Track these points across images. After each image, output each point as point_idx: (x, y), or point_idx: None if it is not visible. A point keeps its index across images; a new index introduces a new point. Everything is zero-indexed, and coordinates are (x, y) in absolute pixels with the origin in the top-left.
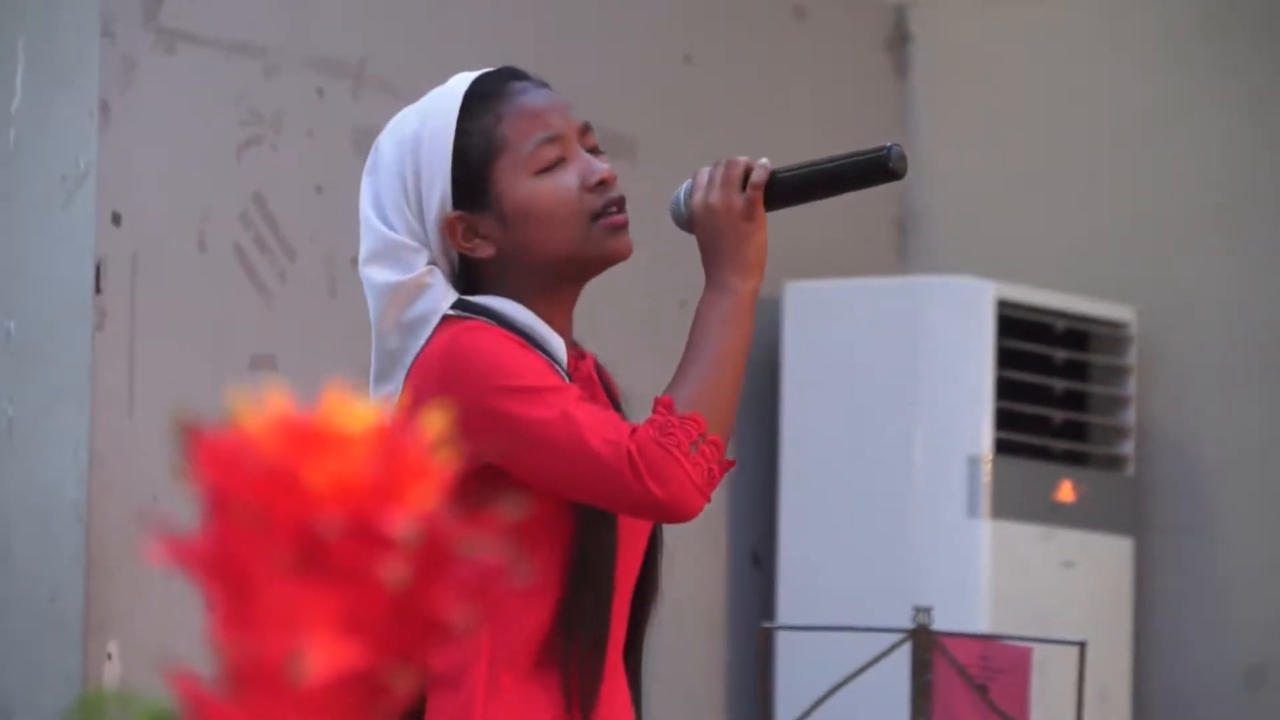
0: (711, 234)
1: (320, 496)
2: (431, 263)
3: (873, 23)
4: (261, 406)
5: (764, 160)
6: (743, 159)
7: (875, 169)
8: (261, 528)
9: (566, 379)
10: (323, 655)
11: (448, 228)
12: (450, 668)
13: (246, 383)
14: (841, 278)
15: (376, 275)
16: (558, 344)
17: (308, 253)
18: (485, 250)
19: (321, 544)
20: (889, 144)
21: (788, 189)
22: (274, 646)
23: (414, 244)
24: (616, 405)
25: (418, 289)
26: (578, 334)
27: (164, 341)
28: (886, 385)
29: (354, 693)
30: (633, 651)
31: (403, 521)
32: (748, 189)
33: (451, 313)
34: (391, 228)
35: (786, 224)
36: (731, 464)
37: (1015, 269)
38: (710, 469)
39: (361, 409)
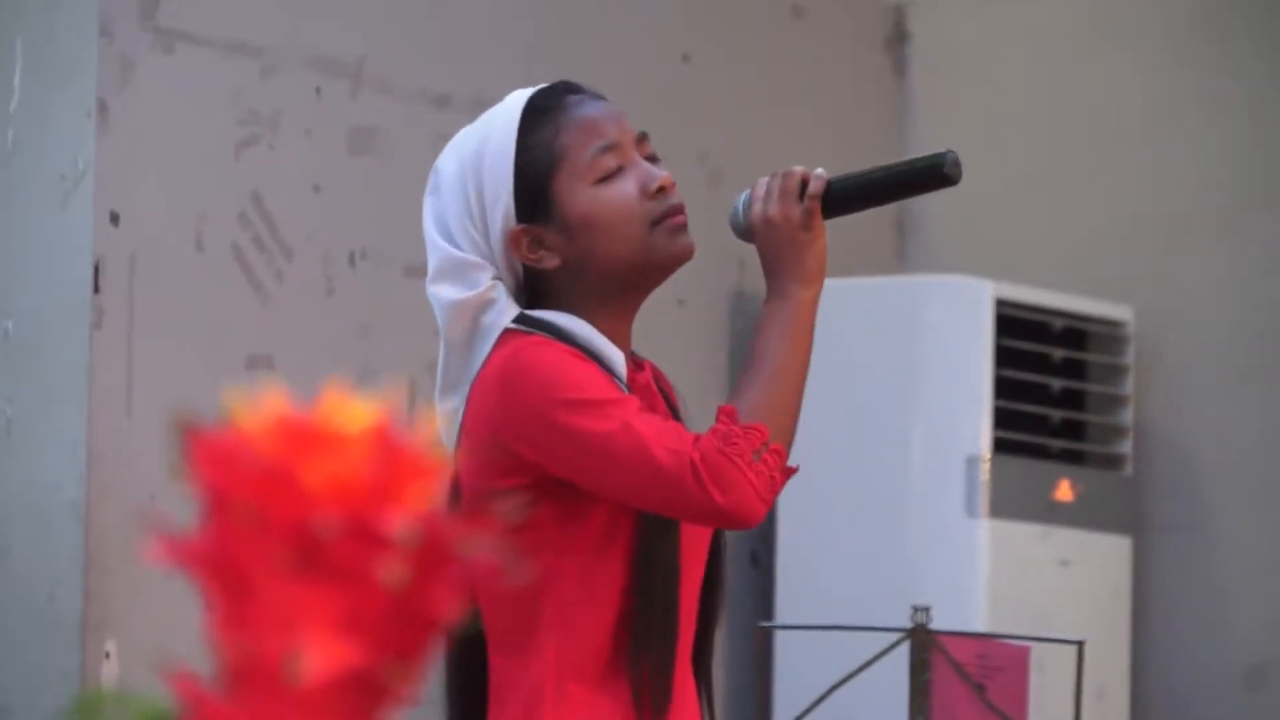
0: (772, 245)
1: (318, 496)
2: (496, 278)
3: (871, 22)
4: (259, 406)
5: (820, 170)
6: (799, 169)
7: (932, 175)
8: (259, 527)
9: (626, 391)
10: (321, 655)
11: (513, 241)
12: (516, 677)
13: (244, 382)
14: (840, 277)
15: (443, 293)
16: (617, 357)
17: (305, 252)
18: (551, 261)
19: (319, 544)
20: (945, 150)
21: (844, 197)
22: (272, 646)
23: (479, 260)
24: (675, 413)
25: (482, 304)
26: None
27: (162, 341)
28: (885, 384)
29: (352, 692)
30: (701, 656)
31: (400, 521)
32: (805, 199)
33: (513, 327)
34: (456, 245)
35: None
36: (794, 471)
37: (1014, 268)
38: (773, 477)
39: (359, 408)
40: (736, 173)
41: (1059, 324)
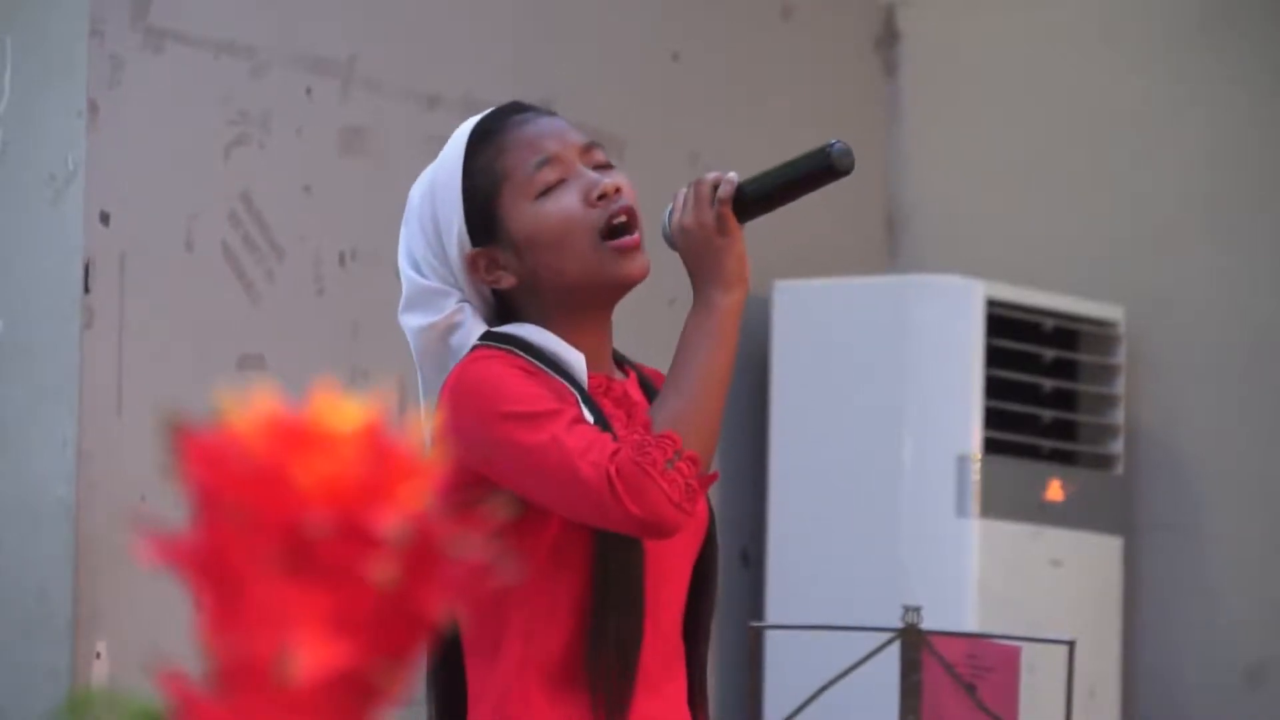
0: (691, 252)
1: (309, 496)
2: (463, 302)
3: (861, 22)
4: (250, 406)
5: (731, 174)
6: (711, 175)
7: (821, 167)
8: (250, 527)
9: (582, 399)
10: (311, 654)
11: (470, 264)
12: (486, 681)
13: (235, 382)
14: (830, 277)
15: (411, 321)
16: (577, 362)
17: (296, 252)
18: (507, 281)
19: (310, 543)
20: (832, 141)
21: (755, 199)
22: (263, 646)
23: (443, 287)
24: None
25: (449, 328)
26: None
27: (152, 341)
28: (875, 384)
29: (342, 692)
30: (692, 663)
31: (391, 521)
32: (715, 204)
33: (479, 343)
34: (423, 275)
35: (776, 224)
36: (714, 478)
37: (1004, 268)
38: (688, 484)
39: (350, 408)
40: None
41: (1050, 324)
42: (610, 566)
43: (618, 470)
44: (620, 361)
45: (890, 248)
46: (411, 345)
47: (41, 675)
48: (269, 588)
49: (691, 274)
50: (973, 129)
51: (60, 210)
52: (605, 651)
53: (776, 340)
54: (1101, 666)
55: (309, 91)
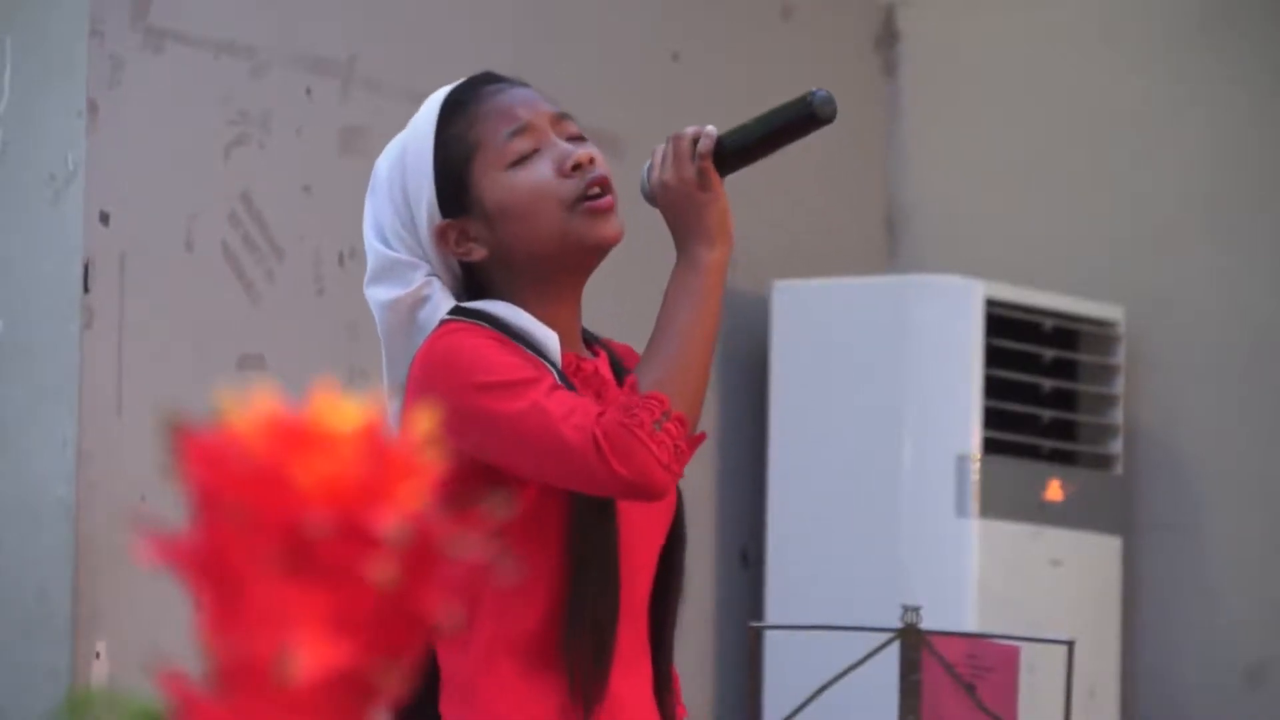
0: (671, 209)
1: (309, 496)
2: (432, 275)
3: (861, 21)
4: (250, 405)
5: (710, 128)
6: (690, 129)
7: (802, 116)
8: (250, 527)
9: (556, 374)
10: (311, 654)
11: (439, 236)
12: (455, 662)
13: (235, 382)
14: (830, 276)
15: (379, 294)
16: (550, 339)
17: (296, 252)
18: (478, 253)
19: (310, 543)
20: (815, 89)
21: (736, 151)
22: (262, 646)
23: (412, 259)
24: None
25: (416, 302)
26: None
27: (152, 341)
28: (875, 384)
29: (342, 692)
30: (659, 647)
31: (391, 521)
32: (696, 158)
33: (447, 318)
34: (390, 247)
35: (775, 223)
36: (701, 438)
37: (1004, 268)
38: (676, 445)
39: (350, 408)
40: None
41: (1049, 324)
42: (586, 544)
43: (604, 432)
44: (589, 341)
45: (890, 247)
46: (377, 318)
47: (41, 675)
48: (269, 588)
49: (673, 231)
50: (972, 129)
51: (60, 210)
52: (581, 631)
53: (776, 340)
54: (1101, 666)
55: (309, 91)
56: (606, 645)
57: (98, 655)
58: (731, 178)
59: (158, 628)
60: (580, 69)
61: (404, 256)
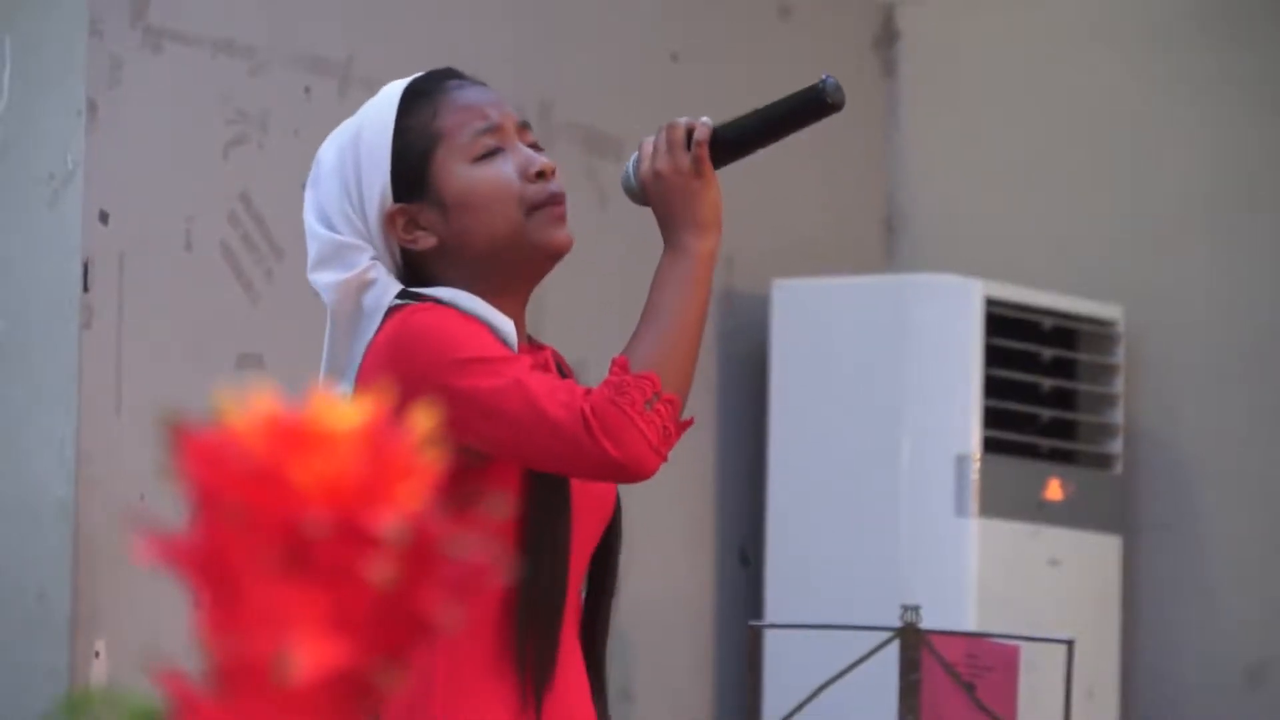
0: (664, 199)
1: (307, 495)
2: (375, 258)
3: (860, 21)
4: (248, 405)
5: (705, 118)
6: (683, 120)
7: (814, 105)
8: (248, 527)
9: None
10: (309, 654)
11: (388, 221)
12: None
13: (233, 381)
14: (829, 276)
15: (323, 277)
16: (507, 326)
17: (295, 252)
18: (427, 241)
19: (308, 543)
20: (825, 76)
21: (732, 141)
22: (261, 645)
23: (356, 242)
24: None
25: (362, 285)
26: (569, 335)
27: (151, 340)
28: (874, 383)
29: (341, 692)
30: (593, 642)
31: (389, 520)
32: (692, 147)
33: (398, 302)
34: (335, 230)
35: (775, 223)
36: (689, 423)
37: (1003, 267)
38: (666, 427)
39: (348, 408)
40: (724, 172)
41: (1049, 323)
42: (539, 528)
43: (593, 410)
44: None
45: (889, 247)
46: (327, 304)
47: (40, 675)
48: (267, 587)
49: (663, 221)
50: (972, 129)
51: (59, 210)
52: (534, 619)
53: (775, 340)
54: (1100, 666)
55: (307, 91)
56: (555, 636)
57: (97, 655)
58: (732, 178)
59: (157, 627)
60: (580, 69)
61: (349, 239)
